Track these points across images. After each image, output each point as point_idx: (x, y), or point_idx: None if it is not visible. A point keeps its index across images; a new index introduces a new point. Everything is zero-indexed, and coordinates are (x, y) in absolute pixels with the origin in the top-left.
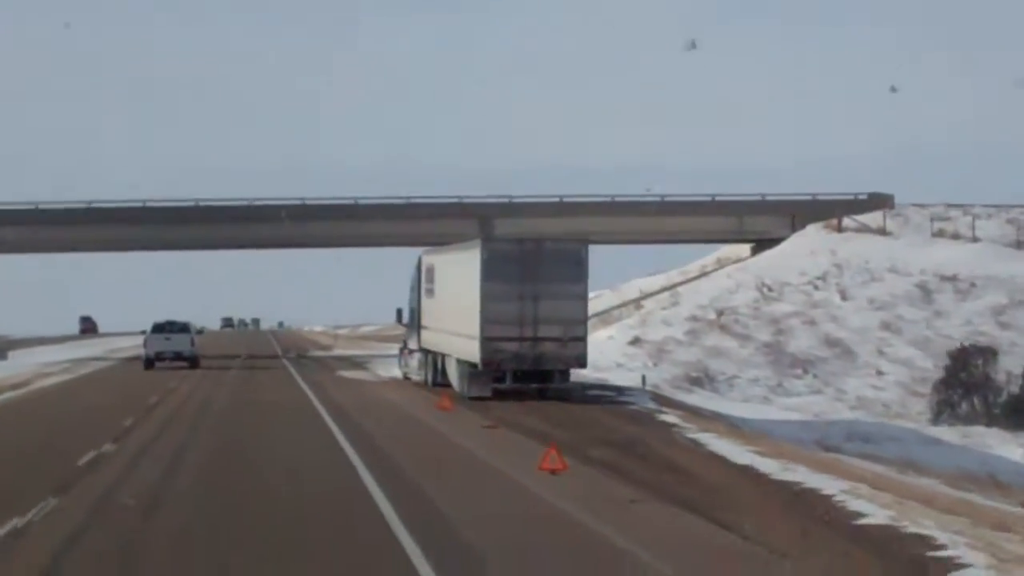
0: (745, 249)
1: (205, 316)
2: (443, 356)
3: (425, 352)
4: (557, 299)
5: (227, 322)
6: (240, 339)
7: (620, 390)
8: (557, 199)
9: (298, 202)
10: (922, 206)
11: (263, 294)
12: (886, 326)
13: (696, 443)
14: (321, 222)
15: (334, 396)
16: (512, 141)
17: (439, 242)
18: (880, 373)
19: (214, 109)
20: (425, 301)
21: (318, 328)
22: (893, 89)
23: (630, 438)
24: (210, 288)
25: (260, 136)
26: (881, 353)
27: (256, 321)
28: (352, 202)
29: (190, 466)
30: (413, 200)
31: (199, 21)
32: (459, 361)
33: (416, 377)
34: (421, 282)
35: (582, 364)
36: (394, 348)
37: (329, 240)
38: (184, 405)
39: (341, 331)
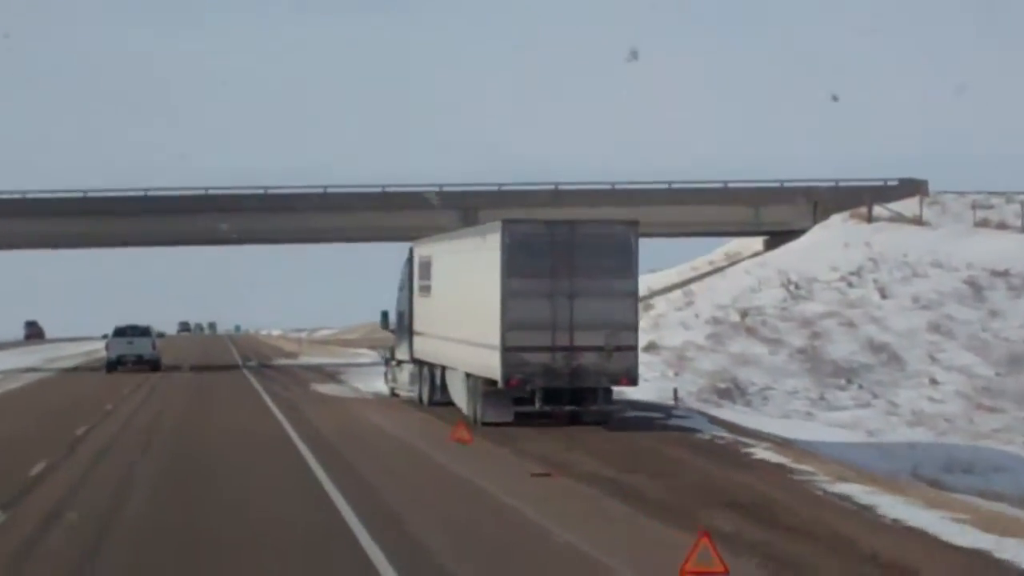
0: (757, 243)
1: (160, 320)
2: (443, 369)
3: (419, 364)
4: (599, 297)
5: (184, 326)
6: (197, 345)
7: (664, 411)
8: (552, 187)
9: (260, 191)
10: (960, 193)
11: (219, 296)
12: (935, 328)
13: (852, 502)
14: (285, 214)
15: (314, 422)
16: (501, 131)
17: (415, 236)
18: (935, 382)
19: (165, 89)
20: (419, 302)
21: (275, 332)
22: (835, 98)
23: (750, 494)
24: (164, 289)
25: (217, 121)
26: (933, 359)
27: (212, 325)
28: (321, 191)
29: (115, 559)
30: (389, 189)
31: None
32: (469, 377)
33: (406, 393)
34: (413, 279)
35: (632, 380)
36: (366, 355)
37: (294, 234)
38: (119, 439)
39: (298, 335)
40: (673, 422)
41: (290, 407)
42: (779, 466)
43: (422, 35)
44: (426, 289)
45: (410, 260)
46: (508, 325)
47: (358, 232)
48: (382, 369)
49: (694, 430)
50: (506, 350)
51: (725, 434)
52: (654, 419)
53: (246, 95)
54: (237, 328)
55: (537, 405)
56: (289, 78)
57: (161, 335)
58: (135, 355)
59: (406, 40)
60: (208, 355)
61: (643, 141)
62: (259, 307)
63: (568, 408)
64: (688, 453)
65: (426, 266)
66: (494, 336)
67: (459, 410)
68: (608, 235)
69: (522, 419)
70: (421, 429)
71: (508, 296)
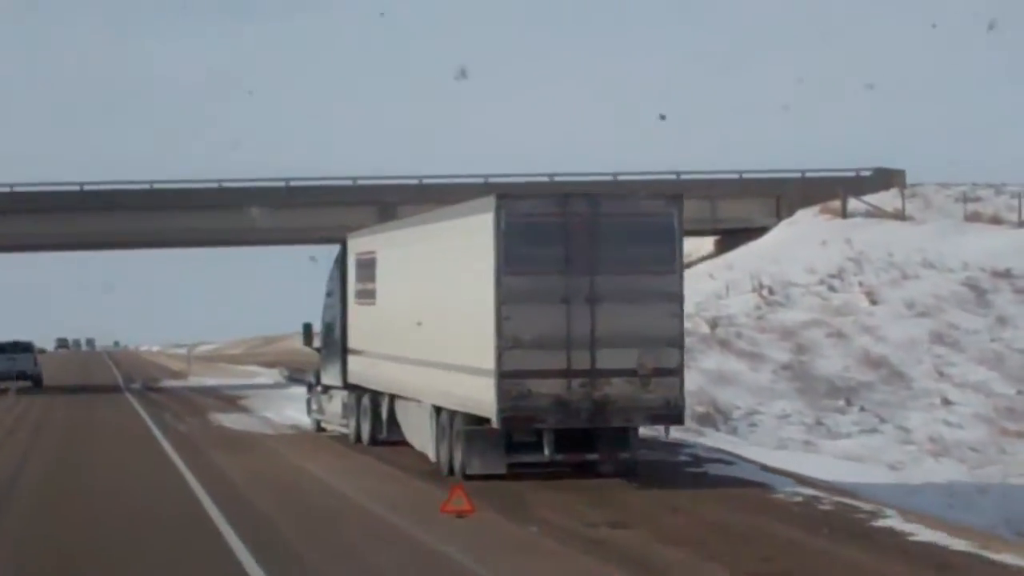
0: (708, 243)
1: (33, 336)
2: (391, 399)
3: (355, 391)
4: (631, 301)
5: (62, 343)
6: (76, 363)
7: (672, 449)
8: (482, 180)
9: (144, 186)
10: (943, 184)
11: (95, 308)
12: (938, 338)
13: None
14: (172, 213)
15: (233, 480)
16: (428, 124)
17: (324, 238)
18: (948, 403)
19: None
20: (356, 312)
21: (155, 348)
22: (662, 117)
23: None
24: (37, 302)
25: (99, 111)
26: (942, 375)
27: (91, 341)
28: (216, 186)
29: None
30: (293, 183)
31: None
32: (441, 412)
33: (336, 428)
34: (347, 282)
35: (676, 417)
36: (261, 375)
37: (183, 236)
38: None
39: (179, 351)
40: (712, 470)
41: (194, 451)
42: (972, 556)
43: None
44: (367, 295)
45: (342, 258)
46: (506, 341)
47: (257, 233)
48: (288, 392)
49: (756, 484)
50: (503, 377)
51: (800, 489)
52: (681, 464)
53: (127, 83)
54: (116, 344)
55: (546, 452)
56: (180, 67)
57: (42, 351)
58: (17, 371)
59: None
60: (87, 375)
61: (586, 131)
62: (136, 320)
63: (590, 457)
64: (806, 532)
65: (367, 265)
66: (484, 357)
67: (417, 452)
68: (643, 214)
69: (514, 467)
70: (388, 489)
71: (505, 300)
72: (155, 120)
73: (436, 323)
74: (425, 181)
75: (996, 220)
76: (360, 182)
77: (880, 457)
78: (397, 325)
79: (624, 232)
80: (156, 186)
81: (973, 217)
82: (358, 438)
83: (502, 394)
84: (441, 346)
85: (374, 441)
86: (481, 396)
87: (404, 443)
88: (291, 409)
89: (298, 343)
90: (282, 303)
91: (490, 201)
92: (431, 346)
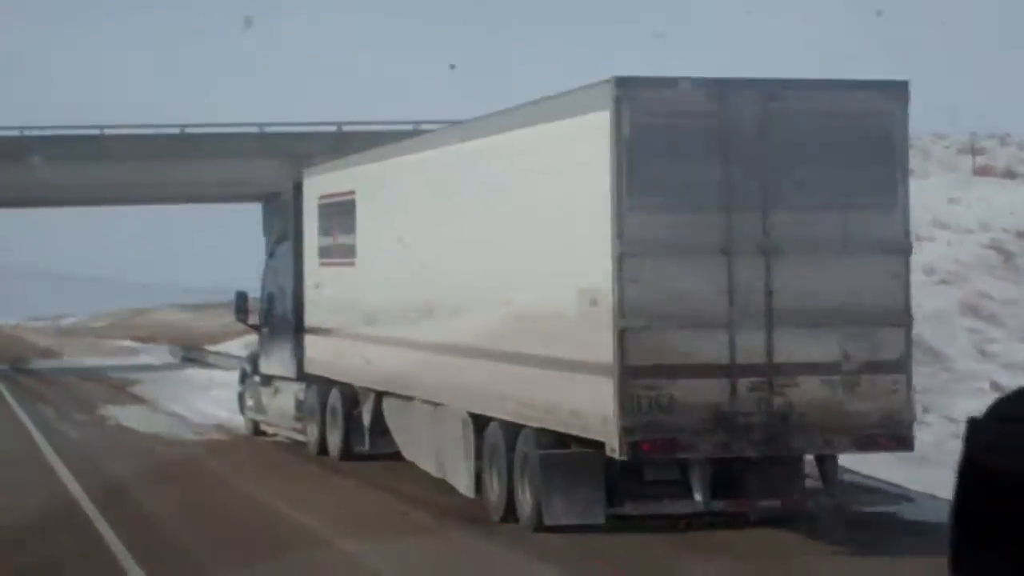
0: None
1: None
2: (378, 396)
3: (318, 385)
4: (829, 254)
5: None
6: None
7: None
8: (411, 126)
9: (13, 133)
10: (940, 136)
11: None
12: (971, 310)
13: None
14: (43, 163)
15: (168, 527)
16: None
17: (219, 196)
18: (999, 388)
19: None
20: (320, 276)
21: (13, 321)
22: (452, 66)
23: None
24: None
25: None
26: (983, 353)
27: None
28: (97, 133)
29: None
30: (188, 130)
31: None
32: (489, 425)
33: (284, 432)
34: (304, 237)
35: (903, 441)
36: (142, 351)
37: (57, 193)
38: None
39: (38, 324)
40: (899, 510)
41: (94, 472)
42: None
43: None
44: (340, 252)
45: (291, 205)
46: (633, 318)
47: (144, 189)
48: (187, 376)
49: None
50: (629, 375)
51: None
52: (828, 499)
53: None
54: None
55: (698, 498)
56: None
57: None
58: None
59: None
60: None
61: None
62: None
63: (764, 504)
64: None
65: (340, 211)
66: (591, 343)
67: (421, 472)
68: (848, 114)
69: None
70: (437, 553)
71: (630, 252)
72: (25, 60)
73: (488, 289)
74: (345, 128)
75: (1009, 174)
76: (268, 129)
77: (936, 456)
78: (396, 293)
79: (817, 142)
80: (26, 133)
81: (983, 171)
82: (322, 448)
83: (627, 404)
84: (498, 324)
85: (348, 454)
86: (584, 406)
87: (396, 456)
88: (202, 400)
89: (172, 315)
90: (159, 269)
91: (606, 90)
92: (475, 324)
